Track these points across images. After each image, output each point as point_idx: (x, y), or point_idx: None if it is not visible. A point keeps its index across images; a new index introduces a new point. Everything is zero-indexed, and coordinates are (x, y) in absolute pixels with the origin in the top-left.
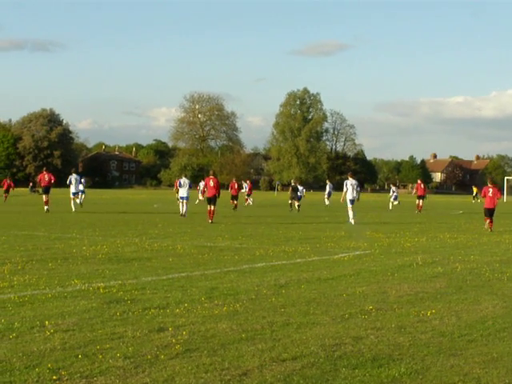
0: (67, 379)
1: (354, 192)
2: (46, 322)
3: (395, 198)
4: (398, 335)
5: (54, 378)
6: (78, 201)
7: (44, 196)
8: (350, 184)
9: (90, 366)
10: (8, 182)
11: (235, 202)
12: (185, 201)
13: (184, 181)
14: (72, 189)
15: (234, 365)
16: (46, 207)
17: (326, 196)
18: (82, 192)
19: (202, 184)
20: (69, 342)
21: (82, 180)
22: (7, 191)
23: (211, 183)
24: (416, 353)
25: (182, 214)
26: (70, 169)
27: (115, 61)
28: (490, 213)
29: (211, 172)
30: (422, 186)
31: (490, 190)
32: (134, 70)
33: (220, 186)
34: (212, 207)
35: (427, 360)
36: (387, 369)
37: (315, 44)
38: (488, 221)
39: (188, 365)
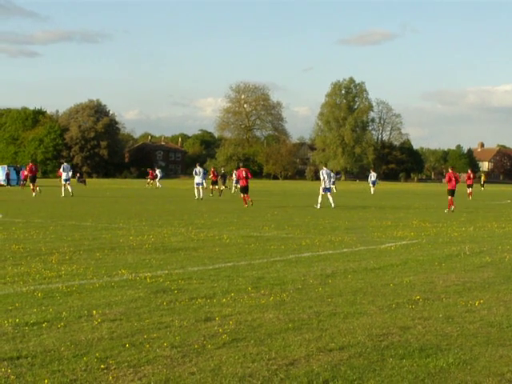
0: (115, 368)
1: (330, 181)
2: (94, 312)
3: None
4: (445, 325)
5: (102, 366)
6: (70, 189)
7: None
8: (325, 173)
9: (138, 355)
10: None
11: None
12: (200, 186)
13: (199, 169)
14: (64, 176)
15: (281, 354)
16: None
17: (370, 185)
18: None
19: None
20: (116, 331)
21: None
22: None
23: (244, 174)
24: (464, 343)
25: (199, 198)
26: (116, 159)
27: (162, 51)
28: (450, 192)
29: (241, 164)
30: (472, 175)
31: (453, 175)
32: (181, 61)
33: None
34: (245, 195)
35: (475, 350)
36: (435, 359)
37: (362, 33)
38: (450, 199)
39: (235, 354)
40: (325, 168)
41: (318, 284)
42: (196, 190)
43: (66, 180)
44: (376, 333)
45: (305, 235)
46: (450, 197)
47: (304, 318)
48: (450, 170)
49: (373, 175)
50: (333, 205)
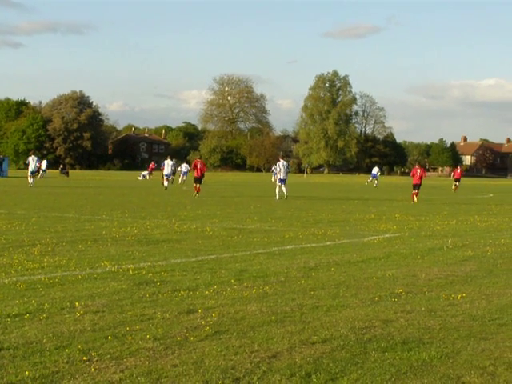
0: (97, 360)
1: (285, 172)
2: (76, 304)
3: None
4: (428, 318)
5: (84, 358)
6: (30, 180)
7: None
8: (282, 165)
9: (120, 347)
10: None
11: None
12: (169, 177)
13: (168, 162)
14: (30, 168)
15: (264, 347)
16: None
17: (373, 178)
18: (44, 171)
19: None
20: (99, 323)
21: (44, 162)
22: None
23: (199, 165)
24: (446, 336)
25: (166, 187)
26: (99, 151)
27: (147, 43)
28: (415, 187)
29: (198, 156)
30: (459, 170)
31: (418, 170)
32: (166, 53)
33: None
34: (198, 184)
35: (457, 344)
36: (417, 352)
37: (347, 27)
38: (415, 192)
39: (217, 347)
40: (282, 160)
41: (301, 277)
42: (165, 181)
43: (32, 172)
44: (358, 326)
45: (288, 228)
46: (414, 190)
47: (287, 310)
48: (416, 166)
49: (375, 169)
50: (277, 197)
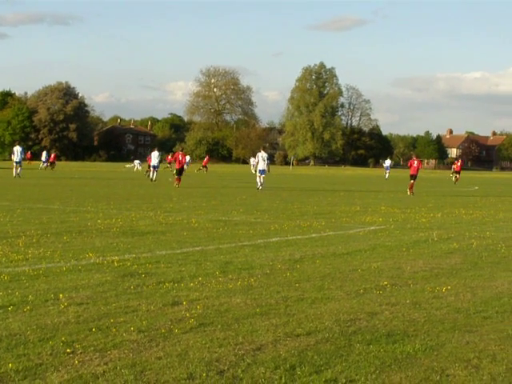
0: (81, 352)
1: (265, 164)
2: (60, 295)
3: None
4: (412, 311)
5: (68, 351)
6: (14, 171)
7: None
8: (261, 156)
9: (104, 339)
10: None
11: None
12: (156, 169)
13: (155, 153)
14: (15, 158)
15: (248, 339)
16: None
17: (386, 170)
18: (44, 162)
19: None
20: (83, 315)
21: (44, 153)
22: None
23: (180, 157)
24: (431, 329)
25: (153, 180)
26: (85, 142)
27: (133, 34)
28: (412, 177)
29: (180, 148)
30: (459, 163)
31: (415, 161)
32: (152, 44)
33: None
34: (179, 176)
35: (442, 336)
36: (402, 345)
37: (333, 19)
38: (412, 182)
39: (202, 339)
40: (262, 151)
41: (286, 269)
42: (151, 173)
43: (17, 163)
44: (343, 318)
45: (273, 220)
46: (411, 180)
47: (271, 302)
48: (413, 157)
49: (387, 162)
50: (261, 186)
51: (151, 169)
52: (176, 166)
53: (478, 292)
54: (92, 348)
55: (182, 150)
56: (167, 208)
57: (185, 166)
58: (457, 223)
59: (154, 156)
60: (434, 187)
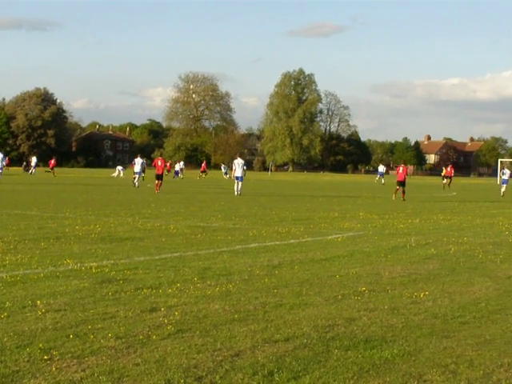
0: (58, 359)
1: (241, 170)
2: (38, 302)
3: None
4: (390, 317)
5: (46, 357)
6: None
7: None
8: (237, 163)
9: (82, 345)
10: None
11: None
12: (138, 175)
13: (138, 160)
14: None
15: (226, 346)
16: None
17: (380, 176)
18: (34, 168)
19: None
20: (60, 321)
21: (34, 158)
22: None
23: (159, 163)
24: (409, 334)
25: (136, 186)
26: (63, 148)
27: (112, 40)
28: (400, 183)
29: (159, 154)
30: (449, 168)
31: (401, 168)
32: (131, 50)
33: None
34: (159, 181)
35: (420, 342)
36: (380, 350)
37: (312, 25)
38: (400, 190)
39: (180, 345)
40: (239, 158)
41: (265, 275)
42: (136, 179)
43: None
44: (321, 324)
45: (252, 226)
46: (397, 187)
47: (250, 308)
48: (401, 164)
49: (381, 167)
50: (236, 193)
51: (135, 175)
52: (156, 171)
53: (456, 297)
54: (69, 355)
55: (161, 155)
56: (145, 214)
57: (180, 175)
58: (435, 229)
59: (138, 163)
60: (413, 193)
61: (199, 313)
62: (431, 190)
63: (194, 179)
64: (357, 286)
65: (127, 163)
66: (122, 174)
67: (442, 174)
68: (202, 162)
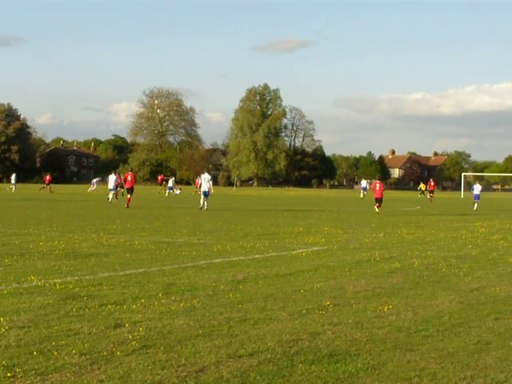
0: (22, 376)
1: (208, 185)
2: (1, 319)
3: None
4: (354, 331)
5: (9, 375)
6: None
7: None
8: (203, 178)
9: (45, 362)
10: None
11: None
12: (111, 192)
13: (112, 176)
14: None
15: (191, 361)
16: None
17: (363, 190)
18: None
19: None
20: (24, 338)
21: (13, 176)
22: None
23: (129, 177)
24: (373, 348)
25: (110, 202)
26: (27, 164)
27: (76, 56)
28: (378, 200)
29: (130, 168)
30: (433, 183)
31: (378, 184)
32: (96, 65)
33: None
34: (130, 196)
35: (384, 355)
36: (344, 364)
37: (277, 41)
38: (377, 206)
39: (144, 361)
40: (206, 173)
41: (229, 290)
42: (111, 194)
43: None
44: (286, 339)
45: (216, 241)
46: (376, 203)
47: (214, 324)
48: (376, 180)
49: (363, 182)
50: (205, 207)
51: (109, 191)
52: (126, 185)
53: (419, 311)
54: (33, 372)
55: (131, 171)
56: (110, 230)
57: (176, 191)
58: (399, 243)
59: (111, 179)
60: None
61: (164, 328)
62: (396, 204)
63: (189, 195)
64: (321, 301)
65: (92, 179)
66: (94, 187)
67: (420, 188)
68: (164, 178)
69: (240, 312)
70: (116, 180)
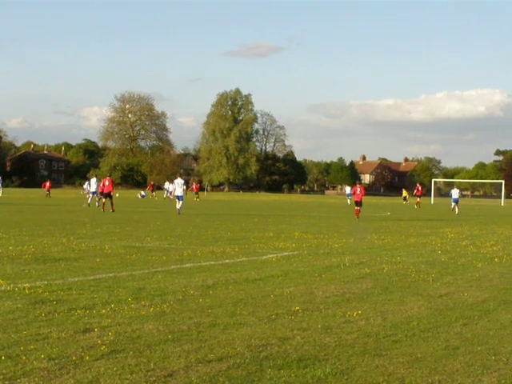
0: None
1: (181, 190)
2: None
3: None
4: (324, 336)
5: None
6: None
7: None
8: (177, 183)
9: (14, 367)
10: None
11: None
12: (92, 195)
13: (94, 180)
14: None
15: (160, 366)
16: None
17: (348, 197)
18: None
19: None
20: None
21: None
22: None
23: (107, 182)
24: (341, 353)
25: (89, 205)
26: None
27: (48, 59)
28: (357, 204)
29: (108, 174)
30: (420, 188)
31: (358, 188)
32: (67, 69)
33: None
34: (105, 200)
35: (352, 360)
36: (313, 369)
37: (249, 45)
38: (357, 209)
39: (113, 366)
40: (179, 178)
41: (199, 295)
42: (91, 199)
43: None
44: (255, 344)
45: (187, 246)
46: (356, 207)
47: (184, 329)
48: (357, 184)
49: (348, 189)
50: (179, 212)
51: (90, 195)
52: (105, 189)
53: (388, 316)
54: (1, 376)
55: (110, 176)
56: (80, 234)
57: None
58: (369, 248)
59: (94, 183)
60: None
61: (133, 333)
62: (366, 210)
63: (191, 200)
64: (291, 306)
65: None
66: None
67: (404, 196)
68: (148, 183)
69: (209, 317)
70: (97, 183)
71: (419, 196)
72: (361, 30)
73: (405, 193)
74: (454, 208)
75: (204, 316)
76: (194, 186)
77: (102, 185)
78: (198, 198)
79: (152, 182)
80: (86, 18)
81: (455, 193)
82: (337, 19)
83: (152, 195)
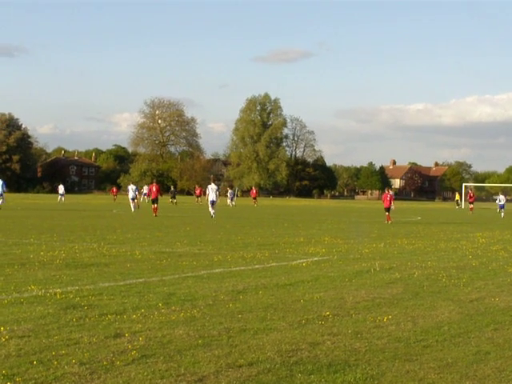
0: None
1: (214, 195)
2: (1, 328)
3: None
4: (354, 341)
5: None
6: None
7: None
8: (210, 188)
9: (45, 372)
10: None
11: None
12: (134, 200)
13: (132, 187)
14: None
15: (190, 371)
16: None
17: (501, 209)
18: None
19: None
20: (24, 348)
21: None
22: None
23: (154, 188)
24: (372, 358)
25: (133, 211)
26: (28, 174)
27: (79, 66)
28: (387, 210)
29: (154, 181)
30: (472, 194)
31: (388, 195)
32: (98, 76)
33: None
34: (155, 205)
35: (383, 365)
36: (343, 374)
37: (279, 51)
38: (387, 215)
39: (144, 371)
40: (212, 183)
41: (229, 300)
42: (132, 204)
43: None
44: (285, 349)
45: (217, 251)
46: (386, 213)
47: (214, 334)
48: (386, 191)
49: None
50: (213, 216)
51: (130, 201)
52: (152, 196)
53: (419, 321)
54: (33, 381)
55: (157, 183)
56: (111, 240)
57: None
58: (399, 253)
59: (132, 189)
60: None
61: (163, 338)
62: (396, 215)
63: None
64: (321, 311)
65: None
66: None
67: (456, 199)
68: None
69: (240, 322)
70: (136, 190)
71: (472, 202)
72: (390, 35)
73: (457, 196)
74: (499, 212)
75: (234, 321)
76: (197, 191)
77: (149, 191)
78: (199, 201)
79: (200, 188)
80: (118, 25)
81: (501, 199)
82: (366, 25)
83: (197, 200)
